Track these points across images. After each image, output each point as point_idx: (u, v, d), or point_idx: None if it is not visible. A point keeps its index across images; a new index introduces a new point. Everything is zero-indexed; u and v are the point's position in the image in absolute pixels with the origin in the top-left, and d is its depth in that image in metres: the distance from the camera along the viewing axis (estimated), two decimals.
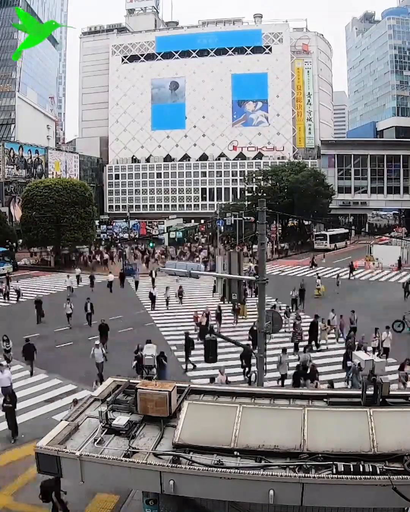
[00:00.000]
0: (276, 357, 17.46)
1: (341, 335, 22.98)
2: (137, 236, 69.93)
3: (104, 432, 7.97)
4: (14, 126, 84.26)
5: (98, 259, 49.85)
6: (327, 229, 66.40)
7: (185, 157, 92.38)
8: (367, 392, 8.19)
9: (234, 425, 7.59)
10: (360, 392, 8.38)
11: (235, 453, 7.26)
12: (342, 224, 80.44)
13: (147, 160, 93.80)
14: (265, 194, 61.96)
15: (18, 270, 46.47)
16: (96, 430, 8.08)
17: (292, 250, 59.86)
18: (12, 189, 68.89)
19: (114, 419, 8.10)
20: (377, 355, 17.49)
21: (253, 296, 30.99)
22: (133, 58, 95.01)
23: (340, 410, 7.90)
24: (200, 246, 59.37)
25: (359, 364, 8.64)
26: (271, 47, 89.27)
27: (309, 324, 22.87)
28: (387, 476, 6.54)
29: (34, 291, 36.10)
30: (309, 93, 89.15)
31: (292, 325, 23.05)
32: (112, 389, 9.52)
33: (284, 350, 18.12)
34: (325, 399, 8.72)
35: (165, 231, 68.73)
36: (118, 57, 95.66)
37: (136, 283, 37.52)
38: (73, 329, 25.61)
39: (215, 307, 26.70)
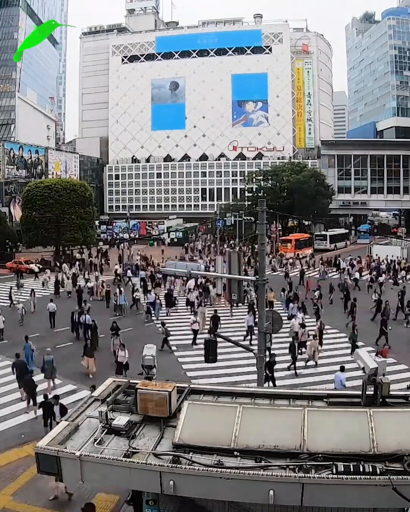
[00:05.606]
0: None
1: None
2: (137, 236, 69.92)
3: (104, 432, 7.95)
4: (14, 126, 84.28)
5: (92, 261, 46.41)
6: (327, 229, 66.37)
7: (185, 157, 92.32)
8: (367, 392, 8.18)
9: (233, 425, 7.57)
10: (360, 392, 8.38)
11: (235, 453, 7.24)
12: (342, 224, 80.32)
13: (147, 160, 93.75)
14: (265, 194, 61.94)
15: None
16: (96, 430, 8.05)
17: None
18: (12, 189, 68.87)
19: (114, 419, 8.08)
20: None
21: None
22: (133, 58, 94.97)
23: (340, 410, 7.89)
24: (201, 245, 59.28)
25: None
26: (271, 47, 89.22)
27: None
28: (387, 476, 6.53)
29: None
30: (309, 93, 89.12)
31: None
32: (112, 389, 9.50)
33: None
34: (325, 399, 8.71)
35: (165, 231, 68.76)
36: (118, 57, 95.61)
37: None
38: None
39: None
